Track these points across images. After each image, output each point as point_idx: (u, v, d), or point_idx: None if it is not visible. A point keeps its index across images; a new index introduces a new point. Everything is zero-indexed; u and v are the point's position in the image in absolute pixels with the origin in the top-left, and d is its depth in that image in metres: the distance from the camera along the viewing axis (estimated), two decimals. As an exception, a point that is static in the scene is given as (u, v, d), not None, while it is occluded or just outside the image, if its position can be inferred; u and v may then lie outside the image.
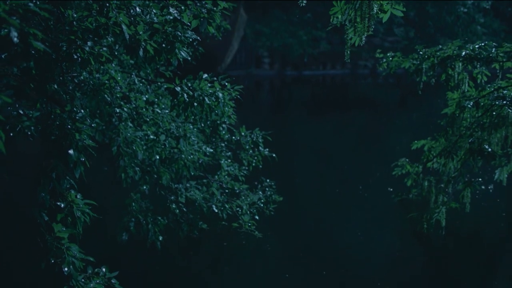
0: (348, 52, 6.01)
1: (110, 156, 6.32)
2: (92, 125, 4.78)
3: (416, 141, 9.25)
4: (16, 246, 5.95)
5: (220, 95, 5.77)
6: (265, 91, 30.93)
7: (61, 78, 4.75)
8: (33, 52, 3.60)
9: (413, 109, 23.33)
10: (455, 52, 8.32)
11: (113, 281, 4.29)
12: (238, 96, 6.07)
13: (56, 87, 4.67)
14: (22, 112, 3.77)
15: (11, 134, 3.59)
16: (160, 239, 6.72)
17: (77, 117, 4.24)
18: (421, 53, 8.70)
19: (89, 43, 4.21)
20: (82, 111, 4.32)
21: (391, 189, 10.15)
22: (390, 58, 9.18)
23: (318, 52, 34.12)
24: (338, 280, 6.93)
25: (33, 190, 4.19)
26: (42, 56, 4.02)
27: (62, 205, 4.21)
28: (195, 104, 5.64)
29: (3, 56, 3.81)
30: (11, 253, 6.15)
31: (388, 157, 11.24)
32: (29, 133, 3.73)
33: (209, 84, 5.74)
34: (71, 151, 4.06)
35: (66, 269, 3.83)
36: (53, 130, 4.11)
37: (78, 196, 4.29)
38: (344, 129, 18.58)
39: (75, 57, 4.23)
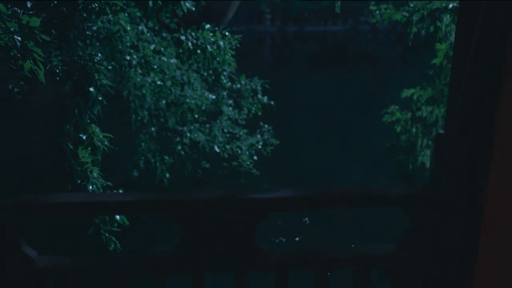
0: (339, 3, 6.50)
1: (119, 108, 6.94)
2: (109, 67, 5.37)
3: (406, 90, 9.81)
4: (46, 172, 6.60)
5: (221, 43, 6.37)
6: (266, 47, 31.23)
7: (74, 29, 5.34)
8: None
9: (413, 65, 23.75)
10: (443, 4, 8.83)
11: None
12: (238, 45, 6.64)
13: (72, 35, 5.26)
14: (48, 53, 4.37)
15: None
16: (167, 176, 7.41)
17: (95, 60, 4.83)
18: (411, 5, 9.20)
19: (105, -6, 4.77)
20: (100, 54, 4.91)
21: (383, 136, 10.78)
22: (383, 10, 9.68)
23: (320, 8, 34.30)
24: (329, 215, 7.64)
25: (60, 124, 4.84)
26: (64, 3, 4.60)
27: (84, 137, 4.86)
28: (198, 51, 6.25)
29: (28, 5, 4.39)
30: (42, 178, 6.83)
31: (383, 108, 11.83)
32: (57, 71, 4.34)
33: (211, 34, 6.33)
34: (91, 89, 4.68)
35: (90, 187, 4.50)
36: (75, 71, 4.72)
37: (97, 130, 4.93)
38: (343, 84, 19.09)
39: (92, 6, 4.81)
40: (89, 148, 4.88)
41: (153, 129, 7.43)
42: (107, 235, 4.96)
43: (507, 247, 2.07)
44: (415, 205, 2.26)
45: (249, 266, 2.27)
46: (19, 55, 3.39)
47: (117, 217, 4.69)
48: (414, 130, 9.34)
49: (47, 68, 4.28)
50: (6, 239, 2.13)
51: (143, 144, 7.38)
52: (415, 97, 9.60)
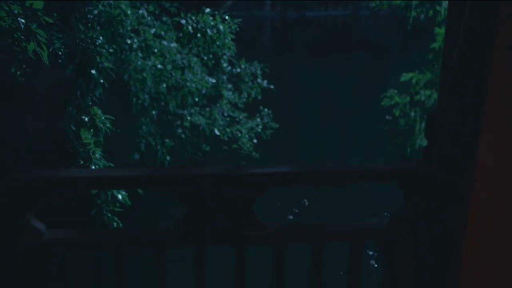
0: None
1: (120, 91, 7.01)
2: (110, 50, 5.44)
3: (405, 74, 9.87)
4: (49, 153, 6.72)
5: (221, 27, 6.44)
6: (266, 33, 31.17)
7: (76, 12, 5.40)
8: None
9: (414, 50, 23.71)
10: (442, -11, 8.86)
11: (130, 184, 5.07)
12: (238, 29, 6.70)
13: (74, 19, 5.33)
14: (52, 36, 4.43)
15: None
16: (168, 159, 7.50)
17: (97, 43, 4.90)
18: (411, -11, 9.25)
19: (106, -23, 4.84)
20: (101, 37, 4.97)
21: (382, 121, 10.87)
22: (383, -5, 9.73)
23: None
24: (329, 194, 7.75)
25: (62, 107, 4.92)
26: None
27: (86, 119, 4.94)
28: (199, 35, 6.32)
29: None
30: (46, 158, 6.93)
31: (384, 93, 11.91)
32: (59, 53, 4.41)
33: (211, 18, 6.39)
34: (93, 71, 4.75)
35: (93, 167, 4.59)
36: (77, 54, 4.79)
37: (99, 112, 5.01)
38: (344, 70, 19.11)
39: (94, -10, 4.87)
40: (91, 130, 4.97)
41: (153, 112, 7.52)
42: (109, 215, 5.06)
43: (495, 223, 2.15)
44: (408, 180, 2.34)
45: (248, 240, 2.35)
46: (22, 37, 3.46)
47: (119, 196, 4.78)
48: (412, 113, 9.42)
49: (50, 50, 4.34)
50: (14, 213, 2.22)
51: (144, 127, 7.47)
52: (413, 81, 9.67)
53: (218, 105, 8.32)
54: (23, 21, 3.37)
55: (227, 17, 6.53)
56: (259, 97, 8.69)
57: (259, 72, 8.65)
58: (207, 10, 6.40)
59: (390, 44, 26.81)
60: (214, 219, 2.29)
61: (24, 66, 5.63)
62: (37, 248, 2.25)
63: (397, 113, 9.72)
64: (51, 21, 3.35)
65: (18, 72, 5.64)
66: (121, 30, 6.23)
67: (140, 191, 5.07)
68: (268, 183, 2.28)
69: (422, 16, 9.21)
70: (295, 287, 3.08)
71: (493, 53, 1.93)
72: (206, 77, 7.75)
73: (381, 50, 24.38)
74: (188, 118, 7.72)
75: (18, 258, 2.23)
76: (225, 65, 8.34)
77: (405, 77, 9.78)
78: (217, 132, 7.63)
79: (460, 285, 2.14)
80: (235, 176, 2.23)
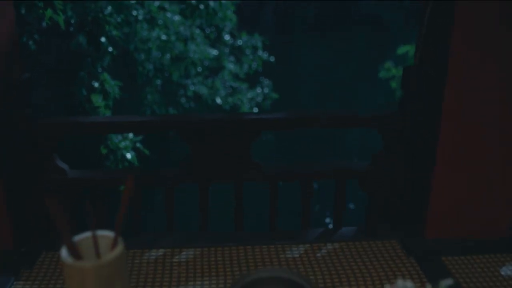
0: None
1: (126, 63, 7.30)
2: (118, 20, 5.73)
3: (402, 46, 10.08)
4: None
5: (223, -1, 6.74)
6: (268, 9, 31.14)
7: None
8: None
9: (416, 27, 23.75)
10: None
11: (137, 145, 5.41)
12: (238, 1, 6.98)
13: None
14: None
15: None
16: (172, 126, 7.80)
17: (105, 13, 5.20)
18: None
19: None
20: (110, 7, 5.26)
21: (380, 93, 11.13)
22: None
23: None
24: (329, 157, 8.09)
25: (74, 73, 5.24)
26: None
27: (96, 85, 5.26)
28: (201, 6, 6.61)
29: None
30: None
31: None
32: (72, 21, 4.72)
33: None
34: (103, 39, 5.06)
35: (104, 129, 4.92)
36: (88, 23, 5.09)
37: (108, 77, 5.33)
38: (346, 46, 19.23)
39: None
40: (101, 94, 5.30)
41: (158, 82, 7.80)
42: (118, 175, 5.38)
43: (461, 163, 2.47)
44: (385, 126, 2.66)
45: (246, 177, 2.68)
46: (40, 4, 3.78)
47: (128, 156, 5.11)
48: (409, 85, 9.64)
49: (63, 19, 4.64)
50: (42, 153, 2.55)
51: (149, 96, 7.77)
52: (410, 53, 9.87)
53: (220, 75, 8.61)
54: (41, -11, 3.67)
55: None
56: (260, 69, 8.96)
57: (259, 44, 8.92)
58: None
59: (393, 20, 26.85)
60: (215, 158, 2.62)
61: (36, 36, 5.92)
62: (63, 184, 2.59)
63: (393, 85, 9.97)
64: (67, -11, 3.66)
65: (30, 42, 5.92)
66: (126, 2, 6.52)
67: (147, 152, 5.40)
68: (263, 127, 2.60)
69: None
70: (287, 219, 3.42)
71: (456, 17, 2.22)
72: (209, 49, 8.02)
73: (384, 26, 24.47)
74: (191, 87, 8.01)
75: (46, 192, 2.57)
76: (227, 37, 8.61)
77: (401, 49, 10.00)
78: (219, 101, 7.94)
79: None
80: (234, 121, 2.56)
